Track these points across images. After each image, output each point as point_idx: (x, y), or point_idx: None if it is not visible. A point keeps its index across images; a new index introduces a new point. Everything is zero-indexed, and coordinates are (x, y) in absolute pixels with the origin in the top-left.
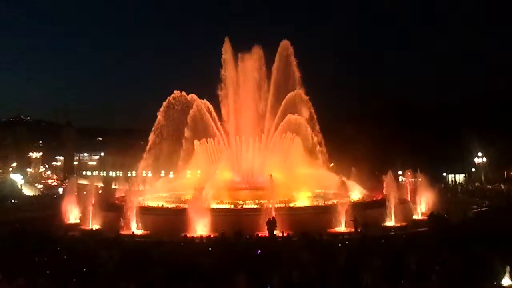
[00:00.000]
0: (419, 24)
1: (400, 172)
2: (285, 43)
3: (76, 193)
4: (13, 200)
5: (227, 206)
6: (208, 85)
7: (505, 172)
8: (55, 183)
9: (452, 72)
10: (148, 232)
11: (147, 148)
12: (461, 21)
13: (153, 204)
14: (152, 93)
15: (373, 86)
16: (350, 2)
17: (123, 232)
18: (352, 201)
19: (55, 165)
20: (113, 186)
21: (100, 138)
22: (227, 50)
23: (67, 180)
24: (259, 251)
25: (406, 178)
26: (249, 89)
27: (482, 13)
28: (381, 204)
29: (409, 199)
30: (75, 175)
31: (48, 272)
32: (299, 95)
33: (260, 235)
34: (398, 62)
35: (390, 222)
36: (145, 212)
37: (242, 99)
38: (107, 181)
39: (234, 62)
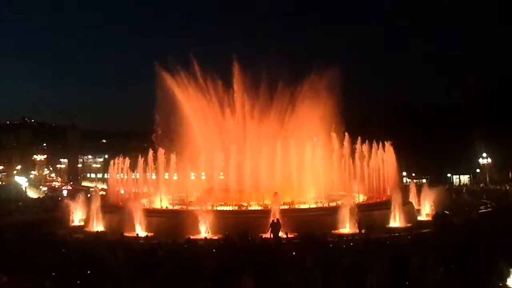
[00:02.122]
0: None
1: (404, 173)
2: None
3: (80, 196)
4: (19, 203)
5: (231, 208)
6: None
7: (510, 173)
8: (59, 185)
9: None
10: (152, 234)
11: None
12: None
13: (157, 206)
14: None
15: (374, 88)
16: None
17: (127, 234)
18: (356, 202)
19: (60, 167)
20: (117, 189)
21: (104, 141)
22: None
23: (71, 183)
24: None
25: (410, 179)
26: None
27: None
28: (385, 206)
29: (414, 200)
30: (79, 177)
31: (53, 274)
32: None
33: (263, 236)
34: (398, 63)
35: (395, 223)
36: (149, 214)
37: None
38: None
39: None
